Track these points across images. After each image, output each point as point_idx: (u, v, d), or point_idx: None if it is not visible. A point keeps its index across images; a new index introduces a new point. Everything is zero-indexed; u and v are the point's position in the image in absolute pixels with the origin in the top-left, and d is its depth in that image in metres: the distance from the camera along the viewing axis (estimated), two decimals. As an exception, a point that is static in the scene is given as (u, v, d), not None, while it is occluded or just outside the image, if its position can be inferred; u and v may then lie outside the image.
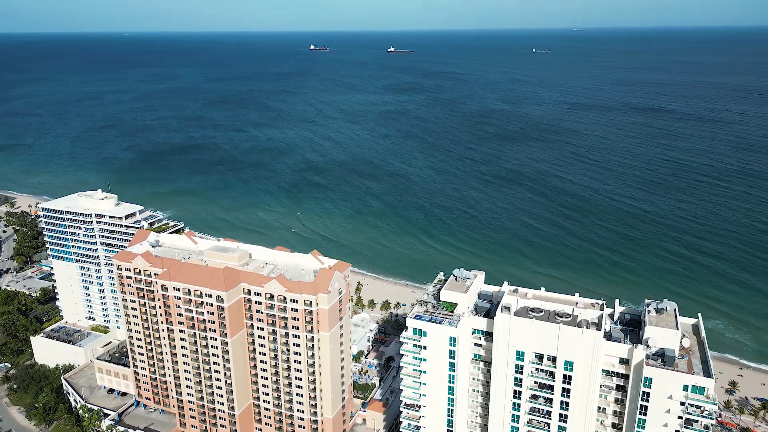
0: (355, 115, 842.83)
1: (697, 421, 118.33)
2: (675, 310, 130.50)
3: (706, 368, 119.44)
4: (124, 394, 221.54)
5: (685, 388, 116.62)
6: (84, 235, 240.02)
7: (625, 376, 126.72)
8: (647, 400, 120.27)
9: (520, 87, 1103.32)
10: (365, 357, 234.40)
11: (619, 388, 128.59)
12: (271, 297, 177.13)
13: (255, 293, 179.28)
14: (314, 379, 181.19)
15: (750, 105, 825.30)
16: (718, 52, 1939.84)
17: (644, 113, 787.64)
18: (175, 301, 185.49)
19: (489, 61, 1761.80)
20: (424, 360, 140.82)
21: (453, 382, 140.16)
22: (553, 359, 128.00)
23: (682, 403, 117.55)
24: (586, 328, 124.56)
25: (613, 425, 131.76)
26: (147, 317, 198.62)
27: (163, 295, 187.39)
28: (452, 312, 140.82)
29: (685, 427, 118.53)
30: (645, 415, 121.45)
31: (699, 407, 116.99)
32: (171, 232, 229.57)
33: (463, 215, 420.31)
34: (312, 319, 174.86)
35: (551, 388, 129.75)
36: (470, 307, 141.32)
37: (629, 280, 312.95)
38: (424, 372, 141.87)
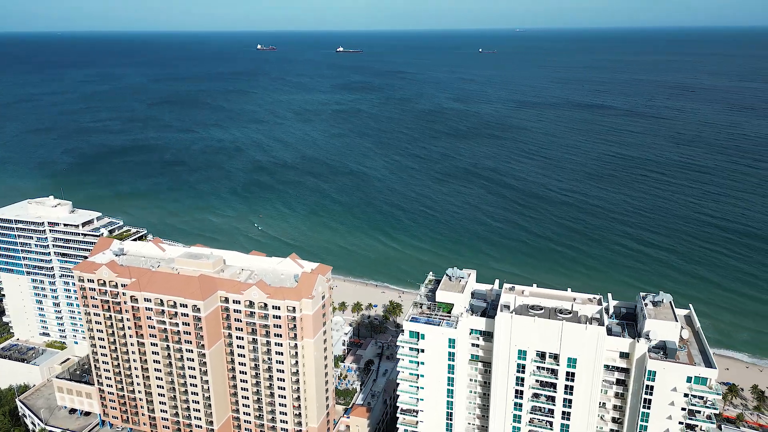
0: (307, 114, 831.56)
1: (700, 412, 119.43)
2: (671, 302, 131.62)
3: (706, 358, 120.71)
4: (88, 413, 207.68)
5: (689, 379, 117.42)
6: (36, 245, 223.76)
7: (626, 371, 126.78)
8: (651, 393, 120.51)
9: (468, 86, 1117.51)
10: (342, 361, 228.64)
11: (619, 382, 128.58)
12: (251, 304, 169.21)
13: (233, 301, 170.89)
14: (298, 388, 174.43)
15: (685, 101, 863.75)
16: (657, 52, 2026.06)
17: (588, 110, 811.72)
18: (146, 313, 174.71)
19: (437, 61, 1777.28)
20: (422, 363, 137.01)
21: (452, 385, 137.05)
22: (555, 357, 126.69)
23: (686, 395, 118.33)
24: (589, 323, 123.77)
25: (614, 420, 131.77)
26: (113, 331, 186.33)
27: (132, 306, 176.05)
28: (449, 313, 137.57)
29: (689, 418, 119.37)
30: (649, 408, 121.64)
31: (702, 398, 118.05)
32: (134, 239, 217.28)
33: (422, 214, 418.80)
34: (296, 325, 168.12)
35: (554, 386, 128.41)
36: (466, 307, 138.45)
37: (587, 275, 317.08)
38: (422, 376, 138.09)
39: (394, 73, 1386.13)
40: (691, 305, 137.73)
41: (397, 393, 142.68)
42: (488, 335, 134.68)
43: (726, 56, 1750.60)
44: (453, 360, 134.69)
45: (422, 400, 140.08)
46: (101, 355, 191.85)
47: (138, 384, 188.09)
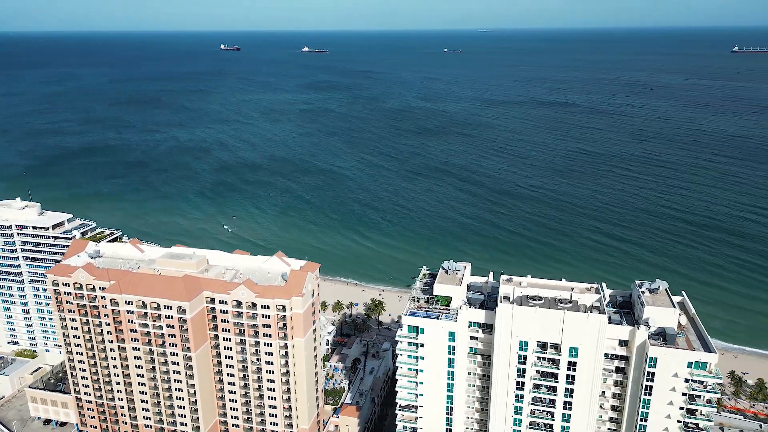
0: (274, 114, 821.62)
1: (700, 397, 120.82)
2: (666, 289, 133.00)
3: (704, 343, 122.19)
4: (64, 423, 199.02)
5: (690, 364, 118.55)
6: (3, 250, 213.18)
7: (625, 358, 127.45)
8: (652, 380, 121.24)
9: (435, 85, 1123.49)
10: (327, 361, 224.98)
11: (618, 370, 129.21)
12: (239, 304, 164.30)
13: (220, 301, 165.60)
14: (289, 389, 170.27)
15: (645, 99, 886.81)
16: (616, 51, 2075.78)
17: (552, 107, 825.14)
18: (128, 316, 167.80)
19: (403, 61, 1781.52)
20: (422, 358, 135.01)
21: (452, 379, 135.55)
22: (557, 347, 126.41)
23: (687, 380, 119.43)
24: (590, 312, 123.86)
25: (613, 407, 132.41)
26: (91, 336, 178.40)
27: (112, 310, 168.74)
28: (448, 306, 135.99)
29: (690, 403, 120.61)
30: (650, 395, 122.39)
31: (702, 383, 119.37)
32: (109, 241, 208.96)
33: (395, 212, 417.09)
34: (285, 324, 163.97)
35: (555, 376, 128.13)
36: (463, 299, 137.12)
37: (558, 269, 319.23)
38: (422, 371, 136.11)
39: (361, 73, 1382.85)
40: (683, 292, 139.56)
41: (396, 389, 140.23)
42: (487, 327, 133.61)
43: (683, 55, 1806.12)
44: (453, 353, 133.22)
45: (422, 395, 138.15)
46: (78, 362, 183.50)
47: (119, 391, 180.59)
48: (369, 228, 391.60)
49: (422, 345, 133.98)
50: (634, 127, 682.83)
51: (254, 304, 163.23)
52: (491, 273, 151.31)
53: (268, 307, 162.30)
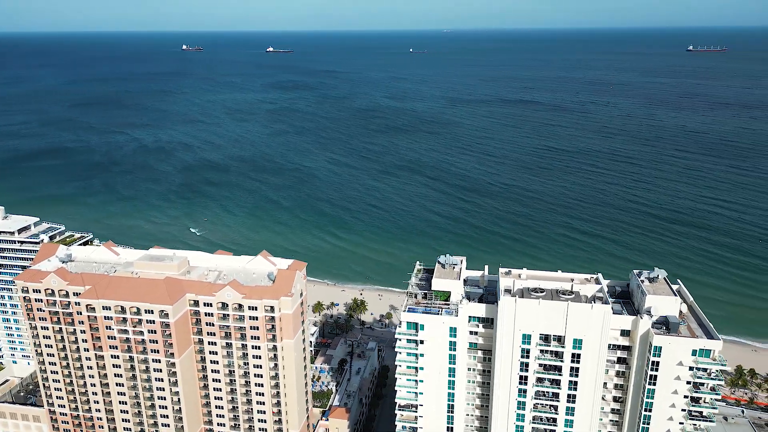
0: (242, 113, 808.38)
1: (704, 384, 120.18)
2: (665, 277, 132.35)
3: (707, 331, 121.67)
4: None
5: (694, 352, 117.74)
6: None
7: (627, 349, 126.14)
8: (656, 369, 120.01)
9: (402, 84, 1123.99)
10: (313, 362, 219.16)
11: (620, 361, 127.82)
12: (224, 306, 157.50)
13: (204, 304, 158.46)
14: (278, 392, 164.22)
15: (608, 96, 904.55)
16: (578, 51, 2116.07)
17: (518, 105, 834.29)
18: (105, 322, 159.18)
19: (369, 61, 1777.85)
20: (422, 356, 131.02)
21: (453, 376, 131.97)
22: (560, 339, 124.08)
23: (691, 368, 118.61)
24: (594, 303, 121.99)
25: (615, 399, 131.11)
26: (65, 345, 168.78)
27: (88, 317, 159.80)
28: (447, 301, 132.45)
29: (694, 391, 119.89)
30: (654, 384, 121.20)
31: (706, 370, 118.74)
32: (80, 244, 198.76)
33: (367, 211, 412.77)
34: (274, 326, 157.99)
35: (558, 369, 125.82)
36: (462, 294, 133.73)
37: (533, 265, 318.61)
38: (422, 368, 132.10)
39: (328, 73, 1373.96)
40: (679, 281, 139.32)
41: (396, 389, 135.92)
42: (488, 322, 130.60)
43: (642, 54, 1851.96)
44: (454, 349, 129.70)
45: (422, 394, 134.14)
46: (51, 372, 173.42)
47: (96, 402, 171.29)
48: (342, 228, 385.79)
49: (422, 342, 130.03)
50: (599, 124, 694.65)
51: (241, 306, 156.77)
52: (486, 267, 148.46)
53: (256, 309, 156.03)
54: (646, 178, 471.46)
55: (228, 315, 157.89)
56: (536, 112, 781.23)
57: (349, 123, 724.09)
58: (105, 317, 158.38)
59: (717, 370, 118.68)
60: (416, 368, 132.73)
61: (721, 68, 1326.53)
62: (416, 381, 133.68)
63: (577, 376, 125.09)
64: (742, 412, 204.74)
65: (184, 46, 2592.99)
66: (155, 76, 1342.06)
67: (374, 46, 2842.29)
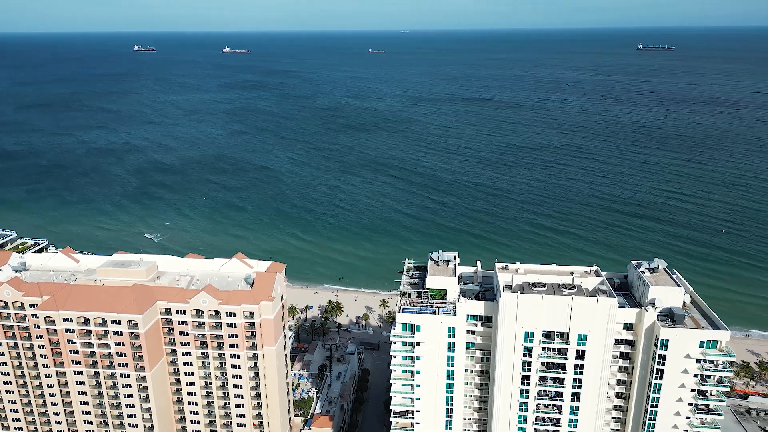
0: (199, 113, 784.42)
1: (710, 377, 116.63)
2: (665, 268, 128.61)
3: (711, 321, 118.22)
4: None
5: (702, 344, 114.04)
6: None
7: (631, 342, 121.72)
8: (663, 363, 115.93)
9: (362, 84, 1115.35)
10: (291, 369, 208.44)
11: (623, 355, 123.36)
12: (199, 313, 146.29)
13: (177, 311, 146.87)
14: (259, 403, 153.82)
15: (566, 94, 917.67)
16: (533, 51, 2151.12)
17: (476, 103, 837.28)
18: (67, 336, 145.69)
19: (329, 61, 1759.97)
20: (419, 359, 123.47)
21: (452, 378, 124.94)
22: (563, 335, 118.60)
23: (698, 361, 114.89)
24: (599, 296, 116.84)
25: (618, 395, 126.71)
26: (21, 362, 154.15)
27: (47, 330, 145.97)
28: (443, 299, 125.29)
29: (701, 384, 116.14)
30: (660, 378, 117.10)
31: (713, 362, 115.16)
32: (35, 252, 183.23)
33: (334, 210, 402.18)
34: (254, 333, 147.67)
35: (562, 367, 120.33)
36: (458, 291, 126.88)
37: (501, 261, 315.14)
38: (418, 372, 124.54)
39: (288, 73, 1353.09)
40: (676, 271, 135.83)
41: (391, 394, 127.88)
42: (486, 320, 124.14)
43: (595, 54, 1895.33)
44: (453, 350, 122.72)
45: (418, 399, 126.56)
46: (6, 392, 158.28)
47: (58, 422, 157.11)
48: (307, 230, 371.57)
49: (419, 344, 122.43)
50: (557, 121, 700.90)
51: (217, 313, 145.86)
52: (479, 262, 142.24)
53: (234, 315, 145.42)
54: (607, 173, 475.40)
55: (203, 323, 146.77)
56: (497, 110, 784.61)
57: (311, 122, 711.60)
58: (66, 330, 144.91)
59: (725, 362, 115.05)
60: (412, 372, 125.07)
61: (670, 66, 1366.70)
62: (412, 386, 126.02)
63: (581, 373, 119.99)
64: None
65: (136, 47, 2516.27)
66: (106, 77, 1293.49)
67: (333, 46, 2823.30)
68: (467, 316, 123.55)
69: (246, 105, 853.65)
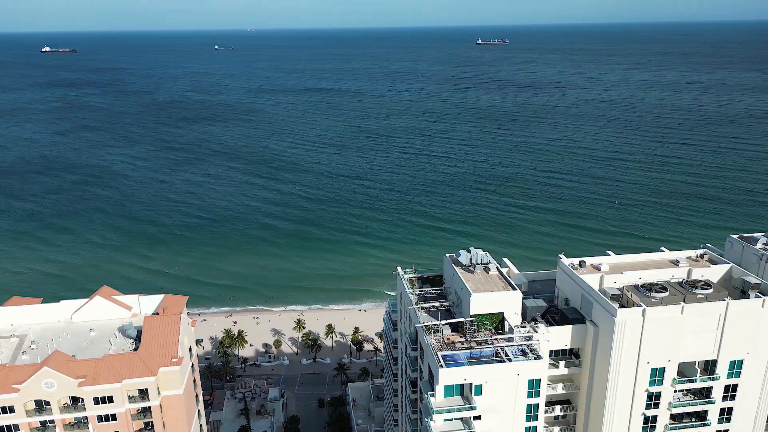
0: (15, 113, 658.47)
1: None
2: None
3: None
4: None
5: None
6: None
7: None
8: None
9: (207, 78, 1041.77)
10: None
11: None
12: (42, 407, 79.85)
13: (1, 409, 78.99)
14: None
15: (417, 84, 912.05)
16: (377, 46, 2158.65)
17: (320, 93, 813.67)
18: None
19: (170, 58, 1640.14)
20: (480, 439, 70.23)
21: (531, 462, 73.43)
22: (707, 366, 73.15)
23: None
24: (753, 294, 72.78)
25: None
26: None
27: None
28: (500, 330, 73.54)
29: None
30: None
31: None
32: None
33: (180, 211, 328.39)
34: (151, 423, 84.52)
35: (703, 417, 74.82)
36: (516, 312, 75.91)
37: (389, 257, 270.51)
38: (479, 462, 71.21)
39: (121, 70, 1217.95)
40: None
41: None
42: (571, 355, 74.92)
43: (438, 48, 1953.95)
44: (536, 417, 71.40)
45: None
46: None
47: None
48: (155, 241, 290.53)
49: (479, 417, 69.21)
50: (421, 107, 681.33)
51: (78, 401, 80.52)
52: (507, 260, 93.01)
53: (112, 400, 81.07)
54: (480, 155, 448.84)
55: (53, 421, 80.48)
56: (337, 97, 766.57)
57: (153, 114, 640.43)
58: None
59: None
60: (468, 465, 71.27)
61: (506, 57, 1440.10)
62: (468, 485, 72.24)
63: (729, 421, 75.08)
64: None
65: None
66: None
67: (174, 44, 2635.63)
68: (550, 353, 73.27)
69: (75, 102, 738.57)
